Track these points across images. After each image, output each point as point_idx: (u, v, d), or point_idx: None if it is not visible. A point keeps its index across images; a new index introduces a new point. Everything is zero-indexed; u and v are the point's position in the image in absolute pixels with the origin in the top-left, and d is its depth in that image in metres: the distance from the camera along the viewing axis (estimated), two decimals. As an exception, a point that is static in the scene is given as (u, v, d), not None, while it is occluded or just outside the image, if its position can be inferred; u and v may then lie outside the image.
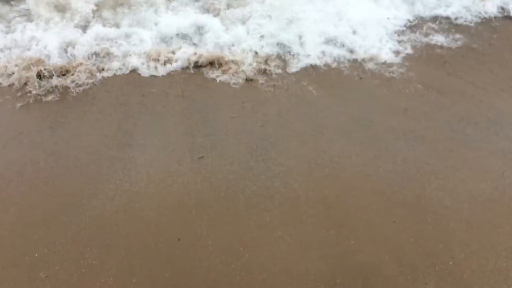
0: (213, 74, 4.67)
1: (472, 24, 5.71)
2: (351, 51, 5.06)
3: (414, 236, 2.78)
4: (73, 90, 4.38)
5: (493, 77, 4.65)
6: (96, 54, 4.85)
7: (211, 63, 4.79)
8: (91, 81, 4.50)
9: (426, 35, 5.43)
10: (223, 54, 4.86)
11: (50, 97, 4.26)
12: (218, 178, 3.30)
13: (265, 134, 3.79)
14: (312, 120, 3.98)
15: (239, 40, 5.08)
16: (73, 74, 4.51)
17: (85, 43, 4.87)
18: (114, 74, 4.63)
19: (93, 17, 5.26)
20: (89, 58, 4.78)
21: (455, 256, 2.64)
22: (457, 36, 5.42)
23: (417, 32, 5.49)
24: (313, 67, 4.79)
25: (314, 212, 2.97)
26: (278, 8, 5.47)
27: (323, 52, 4.99)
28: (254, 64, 4.76)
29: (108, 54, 4.85)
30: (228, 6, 5.62)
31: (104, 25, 5.15)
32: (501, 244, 2.74)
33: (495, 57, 5.04)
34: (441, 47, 5.21)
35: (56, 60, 4.68)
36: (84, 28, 5.18)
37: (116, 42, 4.96)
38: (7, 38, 4.94)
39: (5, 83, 4.43)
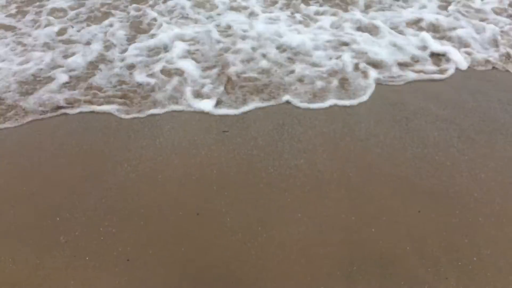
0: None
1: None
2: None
3: (439, 228, 2.67)
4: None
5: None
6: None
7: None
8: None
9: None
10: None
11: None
12: (242, 153, 3.26)
13: (293, 110, 3.71)
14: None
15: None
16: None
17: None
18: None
19: None
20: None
21: (480, 252, 2.53)
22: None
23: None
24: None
25: (336, 195, 2.89)
26: None
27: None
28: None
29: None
30: None
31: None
32: (531, 243, 2.62)
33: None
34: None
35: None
36: None
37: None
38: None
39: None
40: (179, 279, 2.41)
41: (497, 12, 5.25)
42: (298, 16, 5.18)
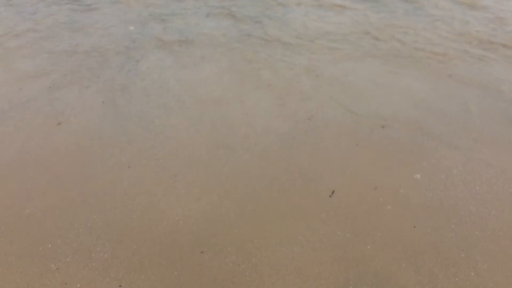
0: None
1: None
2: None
3: (435, 243, 2.64)
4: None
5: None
6: None
7: None
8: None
9: None
10: None
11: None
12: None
13: (298, 130, 3.70)
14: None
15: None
16: None
17: None
18: None
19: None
20: None
21: (477, 267, 2.49)
22: None
23: None
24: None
25: (331, 213, 2.86)
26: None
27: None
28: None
29: None
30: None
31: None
32: (529, 256, 2.58)
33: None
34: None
35: None
36: None
37: None
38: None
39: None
40: (172, 303, 2.38)
41: None
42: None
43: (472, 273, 2.46)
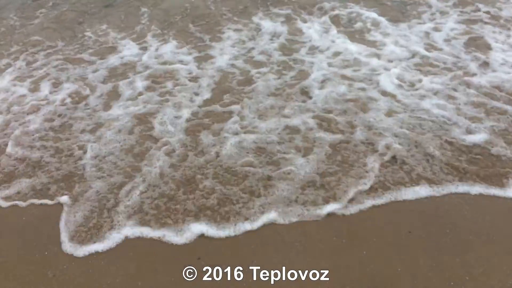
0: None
1: None
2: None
3: (430, 248, 2.65)
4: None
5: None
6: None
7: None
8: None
9: None
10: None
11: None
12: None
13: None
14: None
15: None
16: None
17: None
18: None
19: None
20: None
21: (472, 272, 2.51)
22: None
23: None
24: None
25: (327, 218, 2.88)
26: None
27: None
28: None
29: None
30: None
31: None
32: (522, 260, 2.60)
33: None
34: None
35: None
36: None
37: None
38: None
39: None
40: (168, 310, 2.38)
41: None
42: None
43: (467, 278, 2.47)
